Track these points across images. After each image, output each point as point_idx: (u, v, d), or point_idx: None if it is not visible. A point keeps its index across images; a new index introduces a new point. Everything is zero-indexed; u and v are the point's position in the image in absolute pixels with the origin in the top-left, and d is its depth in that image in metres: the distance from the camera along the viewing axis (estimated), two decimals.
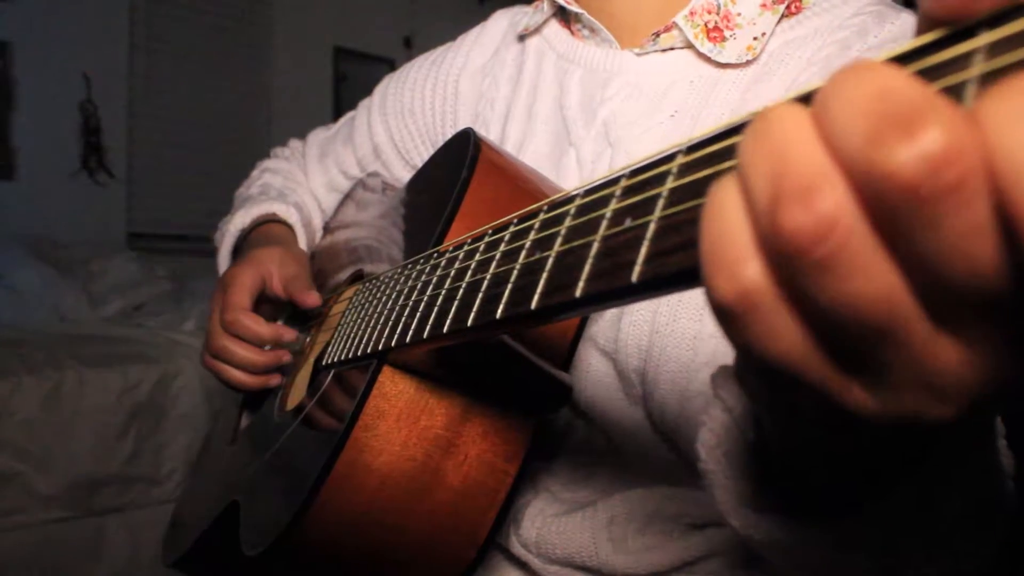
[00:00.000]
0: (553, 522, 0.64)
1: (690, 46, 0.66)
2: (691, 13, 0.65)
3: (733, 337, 0.23)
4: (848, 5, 0.64)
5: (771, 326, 0.21)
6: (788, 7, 0.65)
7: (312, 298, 0.76)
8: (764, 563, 0.60)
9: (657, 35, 0.67)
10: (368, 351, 0.52)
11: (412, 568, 0.52)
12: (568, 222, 0.31)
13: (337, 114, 3.87)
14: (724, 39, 0.65)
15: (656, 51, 0.68)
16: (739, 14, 0.65)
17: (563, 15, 0.77)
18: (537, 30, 0.79)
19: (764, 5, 0.65)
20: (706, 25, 0.65)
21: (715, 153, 0.25)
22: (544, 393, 0.53)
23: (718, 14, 0.65)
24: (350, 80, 4.16)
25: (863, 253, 0.19)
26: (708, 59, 0.66)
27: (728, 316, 0.22)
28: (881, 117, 0.18)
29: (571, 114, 0.71)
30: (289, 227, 0.91)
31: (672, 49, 0.68)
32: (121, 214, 3.49)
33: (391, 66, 4.08)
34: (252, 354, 0.75)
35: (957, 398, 0.21)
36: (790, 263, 0.20)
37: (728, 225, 0.21)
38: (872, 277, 0.19)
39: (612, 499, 0.64)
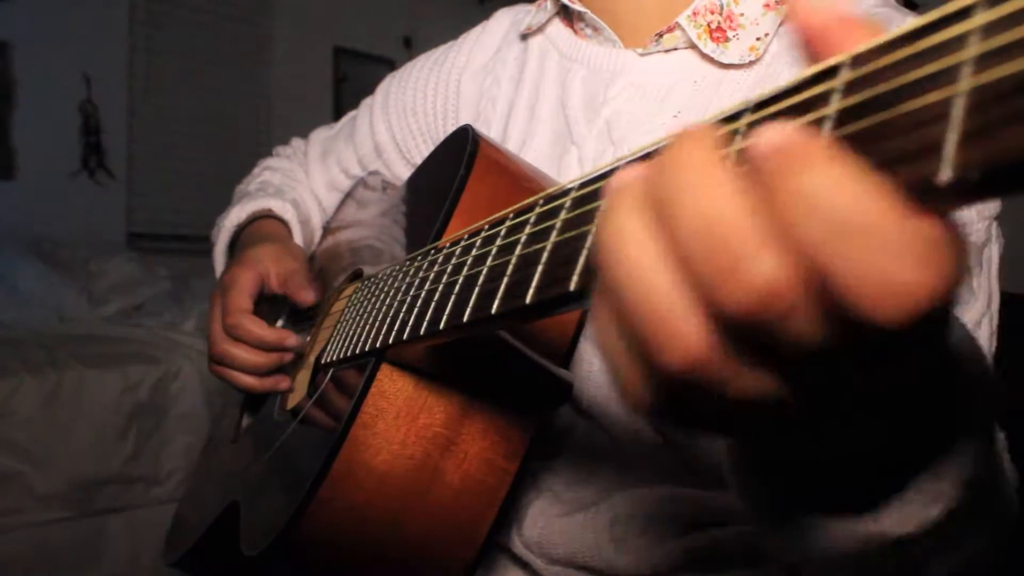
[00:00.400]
0: (556, 522, 0.64)
1: (693, 46, 0.66)
2: (694, 13, 0.65)
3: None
4: (852, 8, 0.64)
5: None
6: None
7: (307, 295, 0.75)
8: (766, 562, 0.60)
9: (660, 35, 0.67)
10: (366, 349, 0.52)
11: (412, 567, 0.52)
12: (563, 214, 0.31)
13: (337, 114, 3.87)
14: (727, 39, 0.65)
15: (659, 51, 0.68)
16: (742, 14, 0.65)
17: (566, 14, 0.76)
18: (540, 29, 0.78)
19: (767, 5, 0.65)
20: (709, 25, 0.65)
21: None
22: (544, 390, 0.53)
23: (721, 14, 0.65)
24: (350, 80, 4.16)
25: (725, 367, 0.23)
26: (711, 60, 0.65)
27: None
28: (720, 256, 0.21)
29: (573, 113, 0.71)
30: (284, 223, 0.91)
31: (675, 49, 0.68)
32: (121, 214, 3.49)
33: (391, 66, 4.08)
34: (254, 356, 0.74)
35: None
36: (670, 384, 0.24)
37: (612, 340, 0.26)
38: (738, 381, 0.23)
39: (614, 499, 0.63)
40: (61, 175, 3.27)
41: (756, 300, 0.21)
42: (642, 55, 0.69)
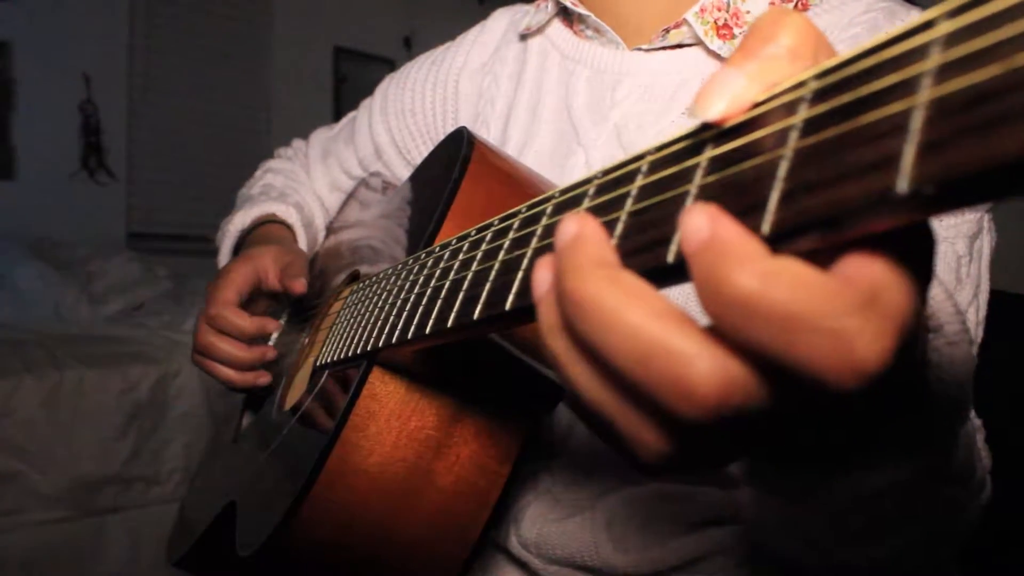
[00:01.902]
0: (554, 523, 0.64)
1: (699, 43, 0.66)
2: (701, 10, 0.65)
3: None
4: (858, 2, 0.64)
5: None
6: (795, 5, 0.65)
7: (299, 284, 0.75)
8: (764, 562, 0.60)
9: (667, 31, 0.67)
10: (358, 352, 0.52)
11: (404, 568, 0.52)
12: (544, 220, 0.31)
13: (337, 114, 3.87)
14: (733, 36, 0.65)
15: (664, 47, 0.68)
16: (748, 12, 0.65)
17: (566, 15, 0.76)
18: (540, 29, 0.78)
19: (772, 3, 0.65)
20: (715, 22, 0.65)
21: (683, 150, 0.25)
22: (536, 393, 0.53)
23: (727, 12, 0.65)
24: (350, 80, 4.16)
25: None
26: (718, 56, 0.66)
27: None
28: (661, 377, 0.22)
29: (579, 115, 0.71)
30: (289, 227, 0.91)
31: (680, 46, 0.68)
32: (121, 214, 3.49)
33: (391, 66, 4.08)
34: (236, 350, 0.74)
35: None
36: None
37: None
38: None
39: (612, 498, 0.63)
40: (61, 175, 3.28)
41: (706, 410, 0.21)
42: (647, 51, 0.69)
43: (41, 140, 3.20)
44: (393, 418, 0.50)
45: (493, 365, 0.51)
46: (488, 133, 0.78)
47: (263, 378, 0.76)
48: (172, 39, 3.62)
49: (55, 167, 3.25)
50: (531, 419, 0.54)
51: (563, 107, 0.73)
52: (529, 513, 0.65)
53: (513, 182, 0.59)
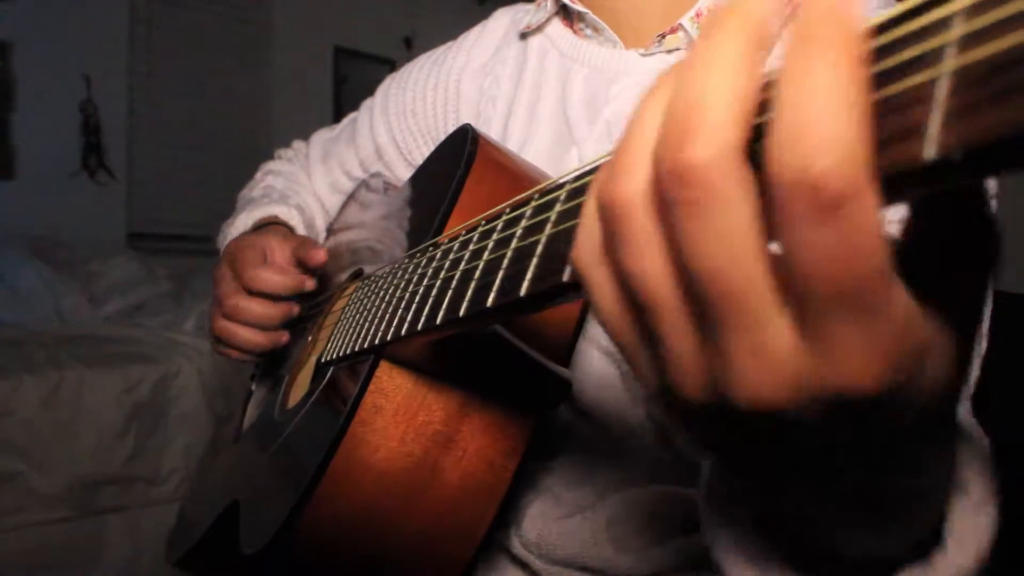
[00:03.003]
0: (554, 524, 0.64)
1: None
2: (697, 15, 0.65)
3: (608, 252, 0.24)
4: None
5: (638, 242, 0.22)
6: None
7: (319, 254, 0.75)
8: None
9: (663, 36, 0.67)
10: (365, 346, 0.52)
11: (411, 565, 0.52)
12: (558, 207, 0.31)
13: (337, 114, 3.87)
14: None
15: (662, 52, 0.68)
16: None
17: (566, 14, 0.76)
18: (539, 28, 0.78)
19: None
20: None
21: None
22: (543, 388, 0.53)
23: None
24: (350, 81, 4.16)
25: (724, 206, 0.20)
26: None
27: (605, 220, 0.23)
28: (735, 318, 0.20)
29: (574, 113, 0.71)
30: (291, 229, 0.91)
31: (678, 50, 0.68)
32: (121, 214, 3.49)
33: (391, 66, 4.08)
34: (270, 309, 0.75)
35: (786, 388, 0.21)
36: (667, 191, 0.21)
37: (639, 135, 0.22)
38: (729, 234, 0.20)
39: (612, 498, 0.63)
40: (61, 175, 3.27)
41: (773, 389, 0.20)
42: (644, 56, 0.69)
43: (41, 140, 3.19)
44: (400, 413, 0.50)
45: (501, 360, 0.51)
46: (489, 132, 0.78)
47: (284, 336, 0.77)
48: (172, 39, 3.62)
49: (55, 167, 3.25)
50: (537, 415, 0.54)
51: (560, 106, 0.73)
52: (530, 513, 0.65)
53: (517, 179, 0.59)
